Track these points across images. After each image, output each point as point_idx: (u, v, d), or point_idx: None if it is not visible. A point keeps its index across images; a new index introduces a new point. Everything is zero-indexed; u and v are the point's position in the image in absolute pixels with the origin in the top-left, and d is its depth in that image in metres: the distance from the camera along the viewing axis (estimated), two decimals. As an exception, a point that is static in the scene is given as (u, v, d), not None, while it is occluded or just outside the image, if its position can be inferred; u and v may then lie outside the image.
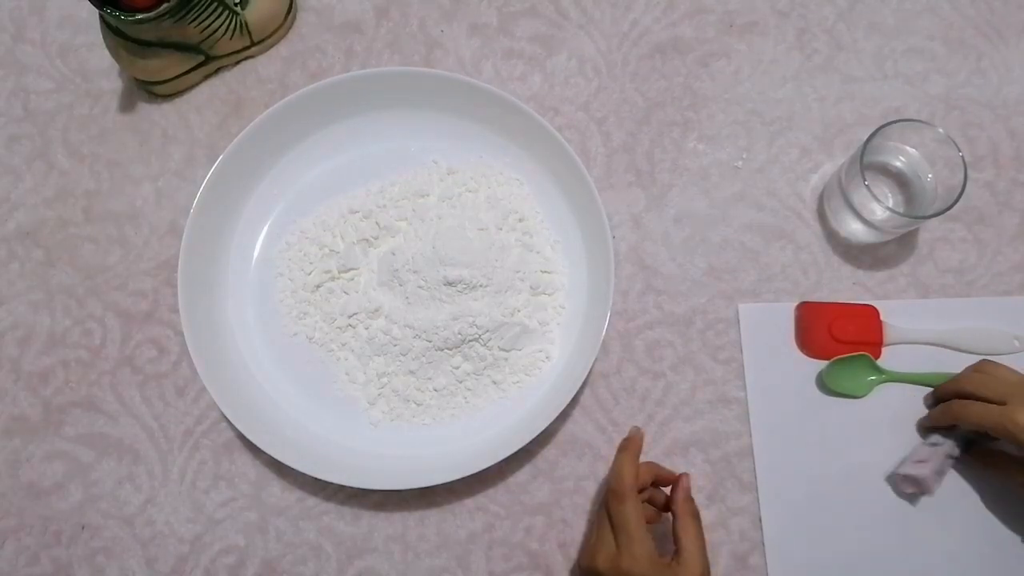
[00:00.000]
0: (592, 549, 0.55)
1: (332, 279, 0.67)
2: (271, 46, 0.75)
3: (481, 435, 0.64)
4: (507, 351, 0.65)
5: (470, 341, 0.64)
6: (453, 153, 0.70)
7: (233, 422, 0.61)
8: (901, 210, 0.65)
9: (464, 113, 0.69)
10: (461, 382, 0.65)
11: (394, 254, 0.66)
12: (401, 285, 0.65)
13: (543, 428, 0.59)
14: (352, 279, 0.67)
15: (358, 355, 0.66)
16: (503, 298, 0.64)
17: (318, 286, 0.67)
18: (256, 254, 0.69)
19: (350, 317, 0.66)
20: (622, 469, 0.54)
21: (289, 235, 0.69)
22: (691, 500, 0.56)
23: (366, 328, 0.65)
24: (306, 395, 0.66)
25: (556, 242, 0.68)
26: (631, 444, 0.57)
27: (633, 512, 0.53)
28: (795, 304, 0.67)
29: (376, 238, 0.67)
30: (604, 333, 0.61)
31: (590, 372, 0.62)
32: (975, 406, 0.57)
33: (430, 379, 0.65)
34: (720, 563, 0.62)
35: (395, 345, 0.64)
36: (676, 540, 0.54)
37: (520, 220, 0.68)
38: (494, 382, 0.65)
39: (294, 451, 0.61)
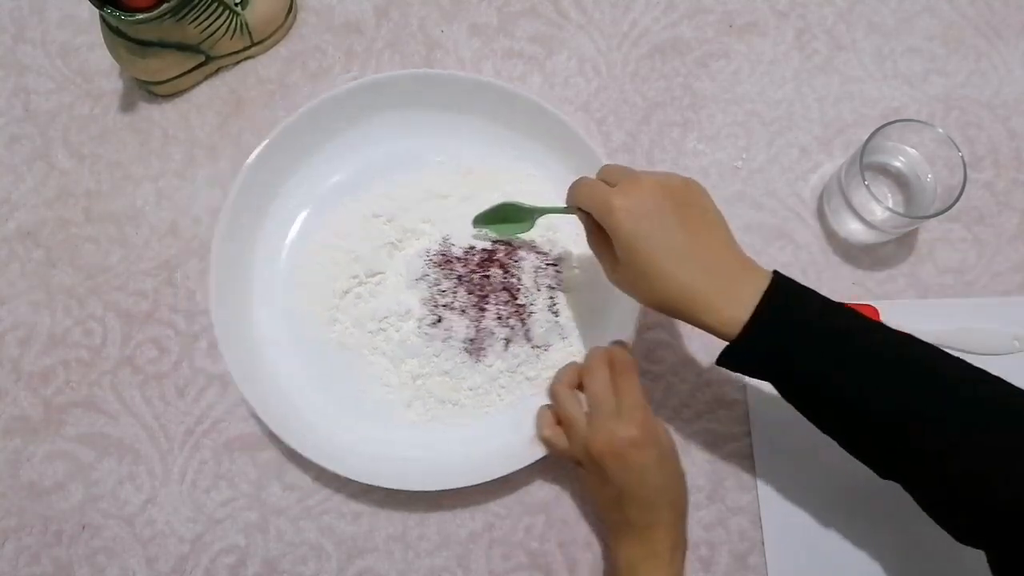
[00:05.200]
0: (585, 436, 0.55)
1: (359, 284, 0.67)
2: (271, 46, 0.75)
3: (517, 434, 0.63)
4: (540, 347, 0.65)
5: (503, 339, 0.64)
6: (471, 153, 0.70)
7: (283, 439, 0.61)
8: (901, 210, 0.65)
9: (483, 113, 0.69)
10: (495, 380, 0.65)
11: (420, 257, 0.66)
12: (430, 288, 0.66)
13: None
14: (379, 283, 0.67)
15: (391, 358, 0.65)
16: (533, 295, 0.65)
17: (346, 292, 0.67)
18: (282, 265, 0.69)
19: (380, 321, 0.66)
20: (620, 352, 0.58)
21: (312, 243, 0.69)
22: (629, 358, 0.58)
23: (397, 331, 0.65)
24: (340, 401, 0.65)
25: (579, 236, 0.68)
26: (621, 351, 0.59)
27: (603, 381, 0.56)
28: (795, 304, 0.67)
29: (400, 241, 0.67)
30: (634, 331, 0.61)
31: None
32: (590, 186, 0.55)
33: (464, 379, 0.65)
34: (720, 563, 0.62)
35: (427, 347, 0.65)
36: (617, 392, 0.55)
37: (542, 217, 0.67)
38: (528, 378, 0.65)
39: (337, 458, 0.61)
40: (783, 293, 0.50)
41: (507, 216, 0.65)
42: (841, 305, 0.51)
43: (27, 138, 0.74)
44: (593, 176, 0.56)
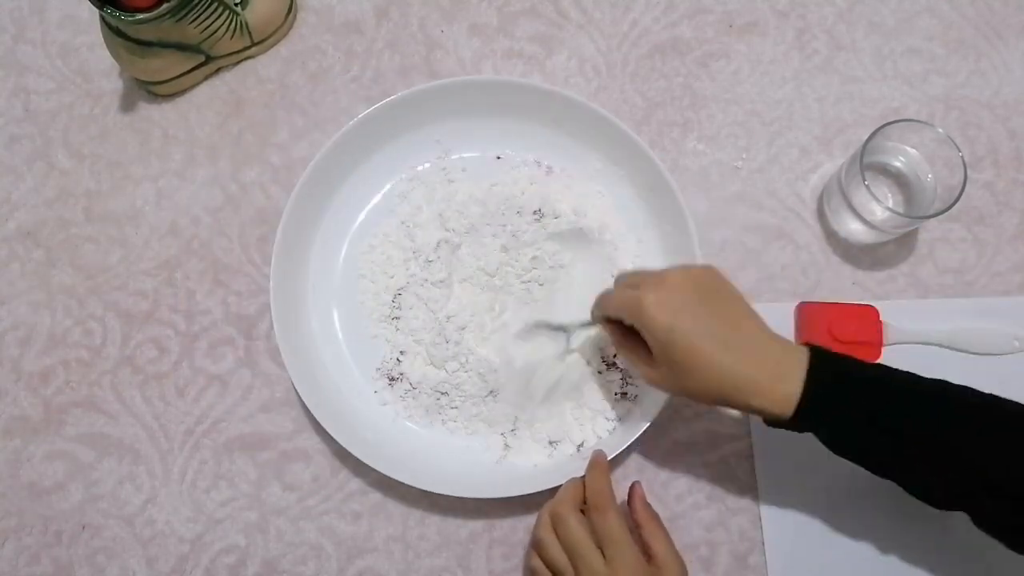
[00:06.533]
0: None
1: (419, 284, 0.66)
2: (271, 46, 0.75)
3: (549, 456, 0.63)
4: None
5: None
6: (542, 165, 0.70)
7: (335, 437, 0.61)
8: (901, 210, 0.65)
9: (559, 127, 0.68)
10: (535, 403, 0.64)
11: (478, 259, 0.66)
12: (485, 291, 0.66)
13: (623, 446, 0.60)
14: (435, 284, 0.66)
15: (435, 361, 0.65)
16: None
17: (400, 290, 0.67)
18: (343, 254, 0.69)
19: (434, 323, 0.65)
20: (597, 484, 0.55)
21: (372, 237, 0.69)
22: (648, 505, 0.57)
23: (448, 336, 0.65)
24: (383, 399, 0.66)
25: (637, 256, 0.67)
26: (599, 462, 0.57)
27: (619, 522, 0.53)
28: (795, 305, 0.67)
29: (459, 244, 0.67)
30: None
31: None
32: (615, 295, 0.56)
33: (506, 391, 0.64)
34: (720, 563, 0.62)
35: (473, 354, 0.64)
36: (647, 547, 0.54)
37: (607, 235, 0.67)
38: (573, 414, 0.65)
39: (381, 458, 0.61)
40: (825, 360, 0.50)
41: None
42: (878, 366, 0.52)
43: (27, 138, 0.74)
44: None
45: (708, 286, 0.53)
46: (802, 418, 0.49)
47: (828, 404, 0.49)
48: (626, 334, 0.54)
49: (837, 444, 0.51)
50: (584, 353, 0.64)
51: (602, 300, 0.58)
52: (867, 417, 0.49)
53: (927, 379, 0.51)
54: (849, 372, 0.50)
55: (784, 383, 0.49)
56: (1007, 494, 0.48)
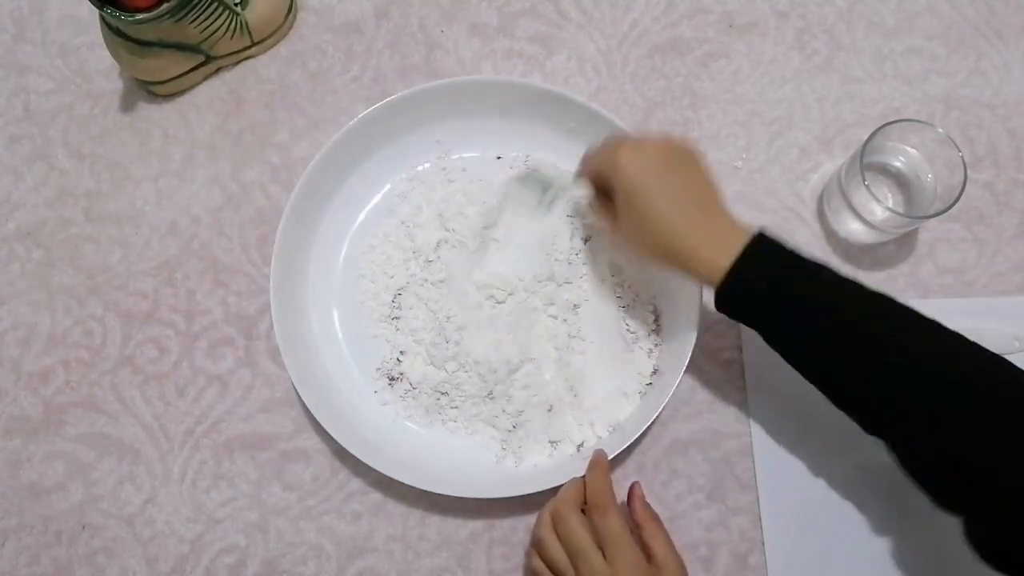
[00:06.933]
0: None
1: (419, 284, 0.66)
2: (271, 46, 0.75)
3: (550, 456, 0.63)
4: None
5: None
6: (538, 162, 0.70)
7: (335, 437, 0.61)
8: (901, 210, 0.65)
9: (548, 123, 0.69)
10: (530, 402, 0.64)
11: (476, 261, 0.66)
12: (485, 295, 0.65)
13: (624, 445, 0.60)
14: (435, 284, 0.66)
15: (435, 361, 0.65)
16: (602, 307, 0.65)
17: (400, 290, 0.67)
18: (343, 254, 0.69)
19: (433, 323, 0.65)
20: (598, 484, 0.55)
21: (372, 237, 0.69)
22: (648, 505, 0.57)
23: (448, 337, 0.64)
24: (383, 399, 0.66)
25: (632, 259, 0.68)
26: (599, 461, 0.57)
27: (619, 521, 0.53)
28: (795, 304, 0.67)
29: (459, 244, 0.67)
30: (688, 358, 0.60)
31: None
32: (598, 149, 0.59)
33: (507, 392, 0.64)
34: (720, 563, 0.62)
35: (473, 353, 0.64)
36: (647, 548, 0.54)
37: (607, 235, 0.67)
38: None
39: (379, 456, 0.61)
40: (766, 243, 0.52)
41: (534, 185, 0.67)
42: (821, 264, 0.53)
43: (27, 138, 0.74)
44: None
45: (681, 154, 0.55)
46: (723, 296, 0.52)
47: (753, 284, 0.51)
48: (604, 195, 0.58)
49: (763, 330, 0.53)
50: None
51: (587, 155, 0.61)
52: (793, 305, 0.51)
53: (869, 288, 0.51)
54: (787, 258, 0.52)
55: (720, 254, 0.51)
56: (930, 411, 0.48)
